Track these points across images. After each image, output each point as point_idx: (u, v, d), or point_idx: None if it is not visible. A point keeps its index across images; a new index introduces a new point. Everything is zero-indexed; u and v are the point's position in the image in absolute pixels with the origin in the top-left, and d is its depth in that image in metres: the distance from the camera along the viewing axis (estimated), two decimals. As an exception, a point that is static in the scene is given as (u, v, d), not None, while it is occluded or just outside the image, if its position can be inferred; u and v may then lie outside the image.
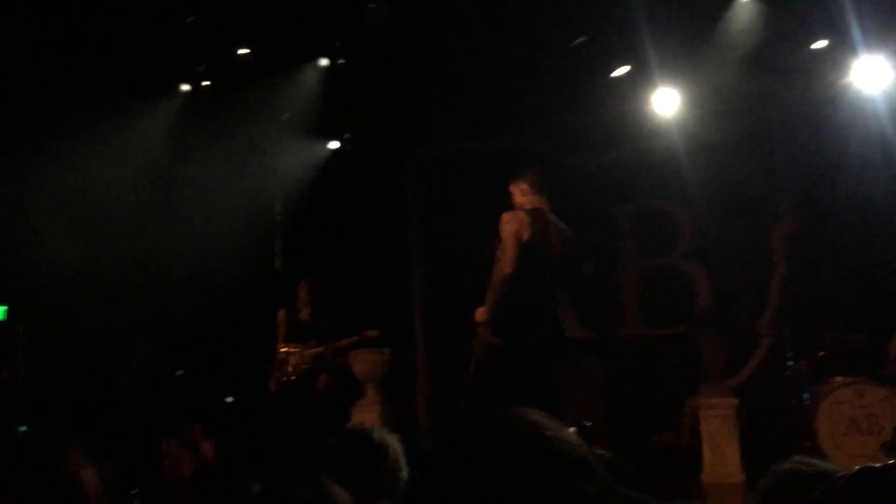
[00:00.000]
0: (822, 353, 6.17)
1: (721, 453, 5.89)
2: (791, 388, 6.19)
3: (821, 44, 7.19)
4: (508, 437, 0.87)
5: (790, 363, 6.25)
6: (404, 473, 2.39)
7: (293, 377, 6.66)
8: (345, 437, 2.44)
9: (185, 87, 7.61)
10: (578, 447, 0.89)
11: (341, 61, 7.52)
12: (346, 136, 8.91)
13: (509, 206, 4.83)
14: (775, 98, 7.75)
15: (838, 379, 5.80)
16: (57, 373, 6.29)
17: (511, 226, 4.62)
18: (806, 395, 6.00)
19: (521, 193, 4.82)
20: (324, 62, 7.60)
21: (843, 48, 6.83)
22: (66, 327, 6.49)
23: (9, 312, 6.34)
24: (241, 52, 7.27)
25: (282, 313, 6.87)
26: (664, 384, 7.60)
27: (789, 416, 6.21)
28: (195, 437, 7.29)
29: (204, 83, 7.60)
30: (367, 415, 6.45)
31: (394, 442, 2.44)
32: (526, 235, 4.61)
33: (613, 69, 7.74)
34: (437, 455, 0.89)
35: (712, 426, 5.96)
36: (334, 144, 8.93)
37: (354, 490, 2.04)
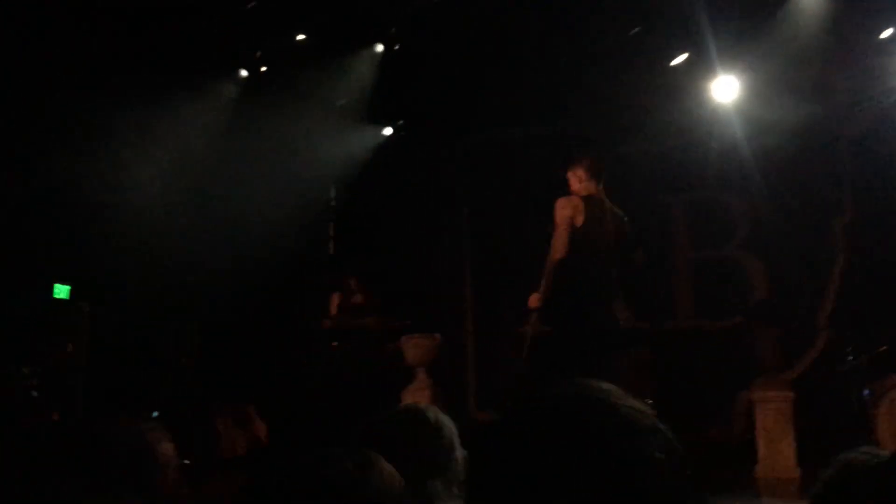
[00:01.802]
0: (882, 348, 6.02)
1: (776, 448, 5.79)
2: (850, 383, 6.05)
3: (887, 33, 6.98)
4: (576, 404, 0.85)
5: (849, 358, 6.10)
6: (458, 453, 2.39)
7: (349, 328, 6.70)
8: (399, 413, 2.45)
9: (243, 73, 7.71)
10: (651, 417, 0.87)
11: (396, 47, 7.53)
12: (400, 122, 8.94)
13: (564, 192, 4.81)
14: (839, 87, 7.55)
15: (900, 375, 5.65)
16: (116, 350, 6.46)
17: (565, 211, 4.59)
18: (865, 391, 5.85)
19: (578, 180, 4.79)
20: (379, 48, 7.63)
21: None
22: (126, 306, 6.66)
23: (71, 292, 6.53)
24: (297, 37, 7.34)
25: (335, 297, 6.94)
26: (717, 376, 7.49)
27: (847, 412, 6.07)
28: (249, 417, 7.43)
29: (261, 69, 7.69)
30: (417, 399, 6.48)
31: (448, 422, 2.44)
32: (580, 221, 4.59)
33: (672, 57, 7.63)
34: (501, 423, 0.87)
35: (767, 420, 5.86)
36: (388, 131, 8.97)
37: (407, 467, 2.05)
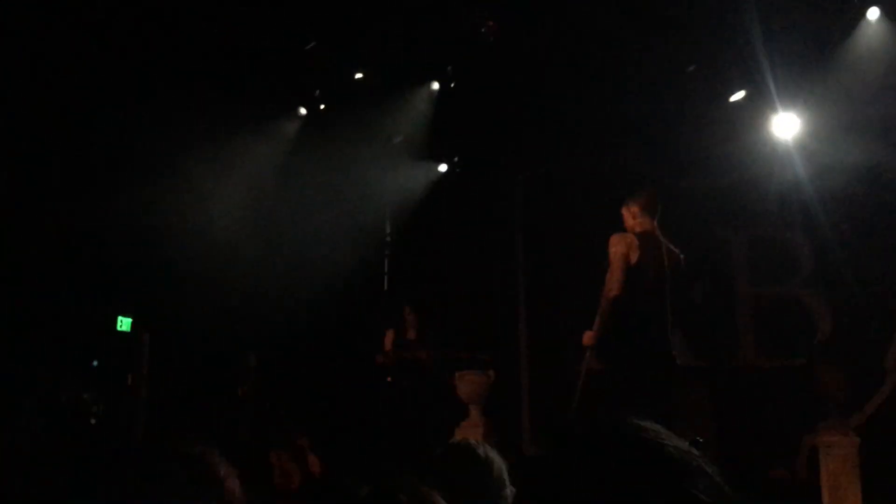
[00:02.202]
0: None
1: (842, 495, 5.58)
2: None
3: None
4: (623, 442, 0.84)
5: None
6: (508, 491, 2.37)
7: (403, 362, 6.70)
8: (451, 449, 2.45)
9: (302, 111, 7.89)
10: (697, 458, 0.85)
11: (452, 84, 7.63)
12: (455, 159, 9.01)
13: (620, 228, 4.77)
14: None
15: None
16: (175, 381, 6.58)
17: (619, 248, 4.55)
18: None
19: (632, 216, 4.75)
20: (435, 86, 7.73)
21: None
22: (187, 338, 6.80)
23: (133, 324, 6.70)
24: (355, 76, 7.49)
25: (389, 333, 6.97)
26: (779, 418, 7.28)
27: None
28: (303, 450, 7.47)
29: (320, 106, 7.86)
30: (469, 436, 6.44)
31: (498, 458, 2.43)
32: (634, 258, 4.54)
33: (731, 93, 7.56)
34: (547, 458, 0.86)
35: (832, 465, 5.66)
36: (443, 167, 9.05)
37: (458, 502, 2.04)
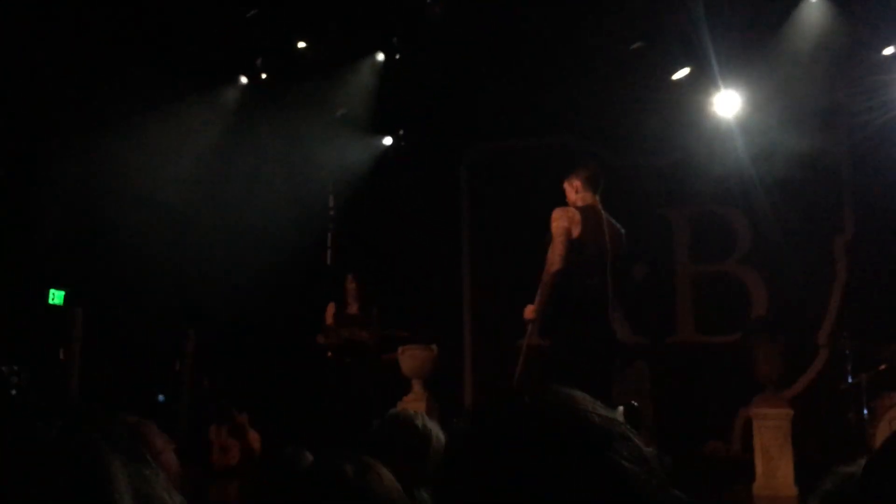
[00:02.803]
0: (882, 367, 5.97)
1: (774, 465, 5.73)
2: (849, 401, 5.99)
3: (889, 51, 6.96)
4: (546, 410, 0.82)
5: (849, 376, 6.05)
6: (447, 462, 2.35)
7: (339, 342, 6.61)
8: (389, 421, 2.41)
9: (243, 80, 7.70)
10: (622, 425, 0.84)
11: (398, 57, 7.52)
12: (400, 132, 8.93)
13: (562, 203, 4.76)
14: (843, 104, 7.53)
15: (900, 393, 5.60)
16: (110, 355, 6.41)
17: (561, 222, 4.53)
18: (864, 410, 5.80)
19: (575, 191, 4.74)
20: (380, 57, 7.62)
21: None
22: (121, 313, 6.62)
23: (66, 297, 6.49)
24: (299, 45, 7.33)
25: (330, 307, 6.87)
26: (715, 392, 7.44)
27: (847, 431, 6.01)
28: (243, 426, 7.37)
29: (262, 76, 7.68)
30: (412, 409, 6.43)
31: (437, 430, 2.41)
32: (576, 233, 4.53)
33: (674, 71, 7.62)
34: (472, 429, 0.85)
35: (766, 437, 5.80)
36: (387, 140, 8.95)
37: (396, 474, 2.01)
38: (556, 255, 4.48)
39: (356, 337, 6.61)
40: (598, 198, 4.74)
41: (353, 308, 6.80)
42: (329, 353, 6.65)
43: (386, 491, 1.28)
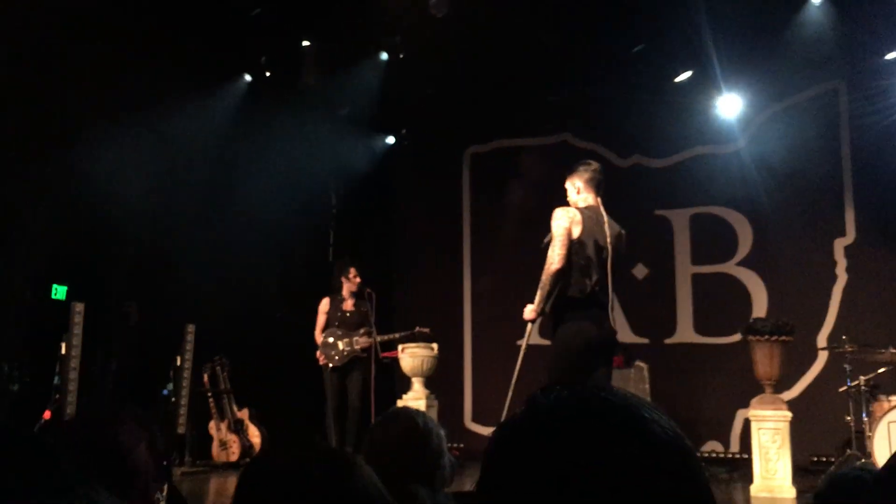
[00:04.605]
0: (881, 370, 5.99)
1: (772, 467, 5.74)
2: (848, 404, 6.00)
3: (892, 55, 6.98)
4: (600, 413, 0.77)
5: (848, 379, 6.06)
6: (446, 460, 2.37)
7: (341, 362, 6.64)
8: (389, 417, 2.43)
9: (248, 78, 7.72)
10: (672, 426, 0.79)
11: (401, 56, 7.54)
12: (403, 131, 8.95)
13: (563, 203, 4.77)
14: (844, 107, 7.54)
15: (897, 397, 5.61)
16: (111, 350, 6.44)
17: (562, 222, 4.53)
18: (864, 413, 5.81)
19: (576, 191, 4.74)
20: (384, 56, 7.64)
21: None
22: (122, 307, 6.64)
23: (68, 292, 6.50)
24: (303, 44, 7.35)
25: (324, 302, 6.86)
26: (714, 393, 7.46)
27: (845, 433, 6.03)
28: (243, 422, 7.39)
29: (266, 74, 7.70)
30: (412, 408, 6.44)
31: (437, 428, 2.42)
32: (577, 233, 4.53)
33: (677, 74, 7.64)
34: (519, 428, 0.79)
35: (764, 439, 5.81)
36: (390, 139, 8.98)
37: (393, 470, 2.03)
38: (556, 255, 4.47)
39: (355, 353, 6.63)
40: (599, 198, 4.74)
41: (347, 304, 6.80)
42: (329, 366, 6.67)
43: (366, 488, 1.29)
